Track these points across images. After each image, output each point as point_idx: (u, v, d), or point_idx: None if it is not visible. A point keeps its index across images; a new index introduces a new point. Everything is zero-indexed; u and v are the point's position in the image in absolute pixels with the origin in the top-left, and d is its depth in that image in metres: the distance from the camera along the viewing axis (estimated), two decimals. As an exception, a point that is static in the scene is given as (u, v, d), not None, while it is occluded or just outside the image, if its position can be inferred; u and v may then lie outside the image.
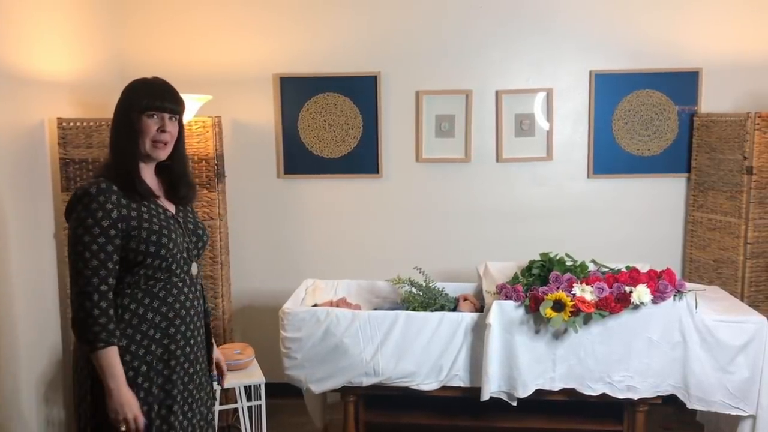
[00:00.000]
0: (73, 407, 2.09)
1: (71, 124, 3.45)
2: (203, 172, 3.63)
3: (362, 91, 4.00)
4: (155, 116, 2.04)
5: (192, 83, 3.94)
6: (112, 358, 1.94)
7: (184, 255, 2.10)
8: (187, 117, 3.32)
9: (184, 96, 3.21)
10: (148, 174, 2.11)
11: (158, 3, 4.01)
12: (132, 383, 2.00)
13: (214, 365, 2.34)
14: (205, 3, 4.00)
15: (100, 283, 1.93)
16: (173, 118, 2.09)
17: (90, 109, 3.72)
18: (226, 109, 3.95)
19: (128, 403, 1.95)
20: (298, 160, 4.08)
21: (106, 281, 1.94)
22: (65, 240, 3.47)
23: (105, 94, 3.89)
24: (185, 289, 2.11)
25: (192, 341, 2.14)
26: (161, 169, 2.15)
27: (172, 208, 2.15)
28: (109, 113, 3.84)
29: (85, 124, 3.45)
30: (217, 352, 2.38)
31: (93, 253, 1.93)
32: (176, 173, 2.15)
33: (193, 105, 3.29)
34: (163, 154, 2.08)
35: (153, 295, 2.04)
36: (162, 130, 2.04)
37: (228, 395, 3.52)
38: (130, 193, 2.01)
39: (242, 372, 3.10)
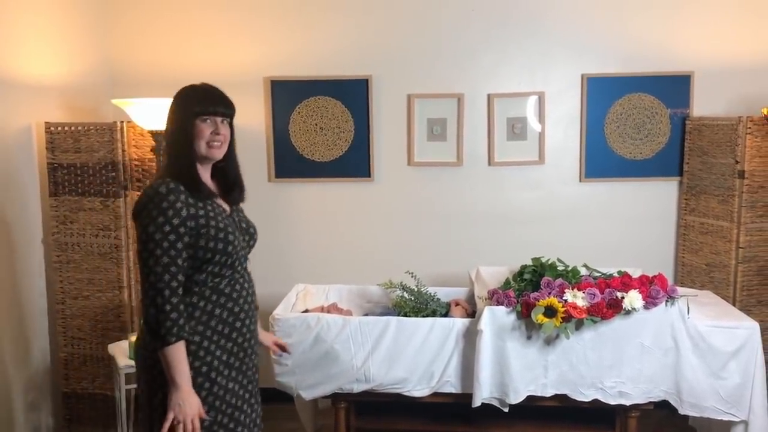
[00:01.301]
0: (139, 403, 2.18)
1: (59, 128, 3.42)
2: (193, 177, 3.60)
3: (354, 94, 3.98)
4: (208, 120, 2.14)
5: (181, 87, 3.91)
6: (181, 353, 2.01)
7: (241, 252, 2.21)
8: (177, 121, 3.29)
9: (170, 99, 3.20)
10: (205, 175, 2.20)
11: (147, 6, 3.98)
12: (205, 378, 2.09)
13: (272, 348, 2.62)
14: (194, 6, 3.98)
15: (171, 279, 2.00)
16: (225, 121, 2.19)
17: (78, 114, 3.69)
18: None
19: (190, 401, 2.02)
20: (289, 163, 4.05)
21: (176, 278, 2.01)
22: (53, 245, 3.46)
23: (93, 98, 3.86)
24: (246, 285, 2.22)
25: (254, 335, 2.26)
26: (215, 171, 2.25)
27: (227, 207, 2.24)
28: (98, 117, 3.84)
29: (73, 128, 3.43)
30: (266, 334, 2.57)
31: (164, 250, 2.00)
32: (230, 175, 2.26)
33: (182, 109, 3.26)
34: (219, 153, 2.17)
35: (219, 292, 2.13)
36: (216, 132, 2.15)
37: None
38: (195, 193, 2.10)
39: (232, 378, 3.07)
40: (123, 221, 3.45)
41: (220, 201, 2.21)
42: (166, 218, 2.01)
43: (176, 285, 2.01)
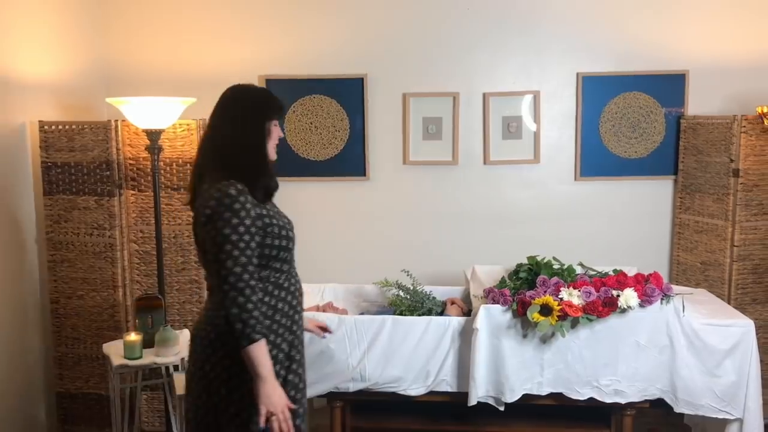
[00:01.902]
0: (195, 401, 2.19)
1: (53, 127, 3.41)
2: (188, 176, 3.58)
3: (349, 93, 3.97)
4: (277, 123, 2.24)
5: (176, 86, 3.91)
6: (264, 349, 2.04)
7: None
8: (171, 120, 3.28)
9: (166, 99, 3.20)
10: None
11: (142, 5, 3.97)
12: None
13: (316, 332, 2.68)
14: (189, 5, 3.97)
15: (249, 278, 2.04)
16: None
17: (72, 112, 3.68)
18: (210, 112, 3.91)
19: (279, 393, 2.06)
20: (284, 162, 4.03)
21: (253, 276, 2.05)
22: (47, 244, 3.45)
23: (88, 96, 3.85)
24: (297, 278, 2.30)
25: (301, 330, 2.31)
26: None
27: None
28: (92, 116, 3.83)
29: (67, 127, 3.41)
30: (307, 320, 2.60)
31: (241, 250, 2.03)
32: (274, 172, 2.31)
33: (177, 108, 3.26)
34: (275, 155, 2.26)
35: (280, 287, 2.19)
36: (279, 135, 2.26)
37: (213, 401, 3.48)
38: (262, 193, 2.16)
39: (227, 378, 3.07)
40: (117, 220, 3.43)
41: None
42: (240, 219, 2.04)
43: (254, 283, 2.05)
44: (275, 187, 2.25)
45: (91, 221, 3.45)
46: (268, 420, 2.04)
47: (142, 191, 3.56)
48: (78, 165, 3.43)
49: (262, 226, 2.11)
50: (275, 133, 2.23)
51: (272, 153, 2.23)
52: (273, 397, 2.04)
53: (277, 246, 2.15)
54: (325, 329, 2.74)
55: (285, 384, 2.17)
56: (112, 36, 3.99)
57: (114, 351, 3.17)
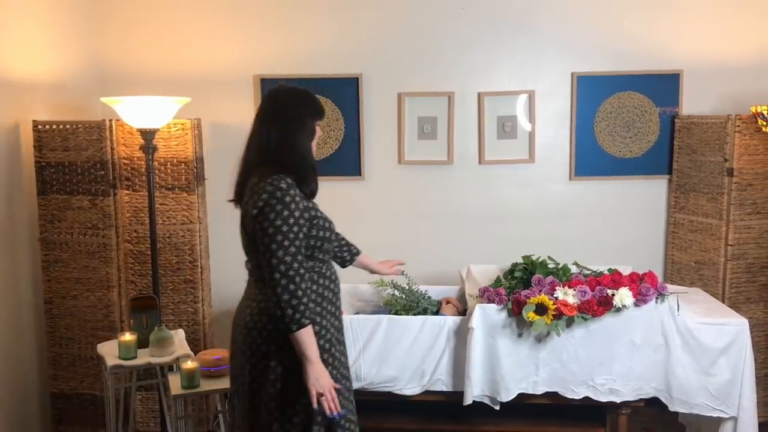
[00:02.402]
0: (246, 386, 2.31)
1: (47, 126, 3.40)
2: (182, 175, 3.59)
3: (344, 92, 3.97)
4: (318, 124, 2.38)
5: (170, 85, 3.90)
6: (311, 333, 2.18)
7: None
8: (166, 119, 3.28)
9: (161, 98, 3.19)
10: None
11: (136, 4, 3.96)
12: (328, 353, 2.29)
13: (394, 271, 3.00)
14: (183, 4, 3.96)
15: (299, 266, 2.17)
16: None
17: (66, 112, 3.67)
18: (205, 112, 3.91)
19: (325, 374, 2.20)
20: (279, 162, 4.03)
21: (303, 265, 2.19)
22: (41, 244, 3.43)
23: (82, 96, 3.84)
24: (334, 269, 2.44)
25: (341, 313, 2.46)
26: None
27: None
28: (86, 116, 3.81)
29: (61, 126, 3.40)
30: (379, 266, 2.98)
31: (291, 240, 2.17)
32: None
33: (171, 107, 3.25)
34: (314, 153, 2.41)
35: (324, 276, 2.34)
36: (319, 134, 2.41)
37: (209, 401, 3.48)
38: (303, 189, 2.28)
39: (223, 378, 3.06)
40: (112, 220, 3.42)
41: None
42: (290, 211, 2.18)
43: (303, 272, 2.18)
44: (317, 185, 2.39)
45: (86, 221, 3.44)
46: (318, 400, 2.18)
47: (136, 191, 3.55)
48: (72, 165, 3.42)
49: (309, 218, 2.26)
50: (319, 132, 2.38)
51: (314, 150, 2.39)
52: (321, 378, 2.18)
53: (321, 237, 2.29)
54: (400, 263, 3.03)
55: (338, 364, 2.33)
56: (106, 35, 3.98)
57: (108, 351, 3.16)
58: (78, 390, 3.54)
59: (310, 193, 2.32)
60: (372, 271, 2.99)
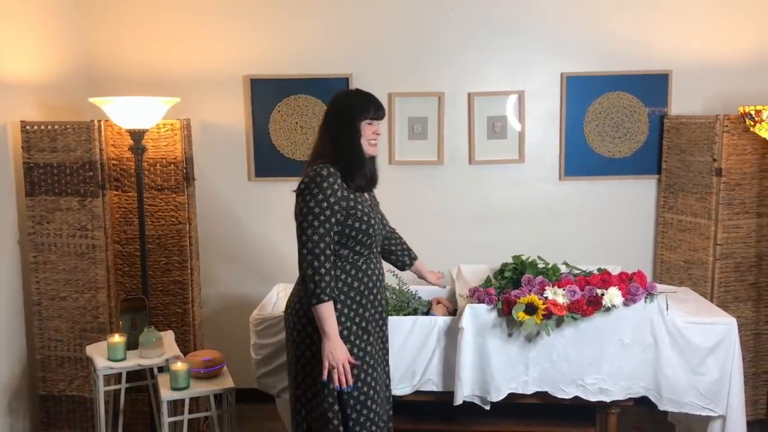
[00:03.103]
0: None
1: (35, 127, 3.38)
2: (171, 176, 3.58)
3: (334, 93, 3.94)
4: (372, 123, 2.53)
5: (160, 86, 3.89)
6: (331, 309, 2.37)
7: (378, 236, 2.58)
8: (155, 120, 3.26)
9: (150, 98, 3.18)
10: None
11: (125, 4, 3.94)
12: (345, 340, 2.43)
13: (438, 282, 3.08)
14: (173, 5, 3.94)
15: (326, 247, 2.37)
16: (379, 123, 2.58)
17: (55, 112, 3.65)
18: (195, 112, 3.90)
19: (341, 347, 2.37)
20: (269, 162, 4.03)
21: (329, 247, 2.38)
22: (29, 245, 3.41)
23: (70, 96, 3.82)
24: (379, 265, 2.61)
25: (383, 313, 2.62)
26: None
27: (367, 195, 2.61)
28: (75, 116, 3.80)
29: (50, 127, 3.38)
30: (431, 275, 3.06)
31: (321, 222, 2.36)
32: (371, 167, 2.60)
33: (160, 107, 3.24)
34: (376, 150, 2.57)
35: (358, 268, 2.50)
36: (377, 133, 2.55)
37: (199, 403, 3.47)
38: (353, 182, 2.47)
39: (213, 380, 3.06)
40: (101, 221, 3.41)
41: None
42: (325, 196, 2.37)
43: (329, 253, 2.38)
44: (368, 179, 2.55)
45: (74, 222, 3.42)
46: (329, 373, 2.36)
47: (125, 192, 3.54)
48: (61, 165, 3.40)
49: (347, 207, 2.43)
50: (368, 130, 2.51)
51: (369, 149, 2.52)
52: (336, 352, 2.35)
53: (357, 228, 2.45)
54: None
55: (359, 352, 2.47)
56: (95, 35, 3.96)
57: (98, 353, 3.15)
58: (67, 392, 3.52)
59: (357, 187, 2.49)
60: (421, 277, 3.08)
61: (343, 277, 2.47)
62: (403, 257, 2.96)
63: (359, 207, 2.47)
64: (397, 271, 3.41)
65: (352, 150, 2.49)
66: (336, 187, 2.40)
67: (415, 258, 2.99)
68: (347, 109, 2.52)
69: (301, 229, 2.38)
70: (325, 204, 2.37)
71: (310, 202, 2.37)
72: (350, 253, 2.48)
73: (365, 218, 2.47)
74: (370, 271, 2.54)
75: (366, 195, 2.59)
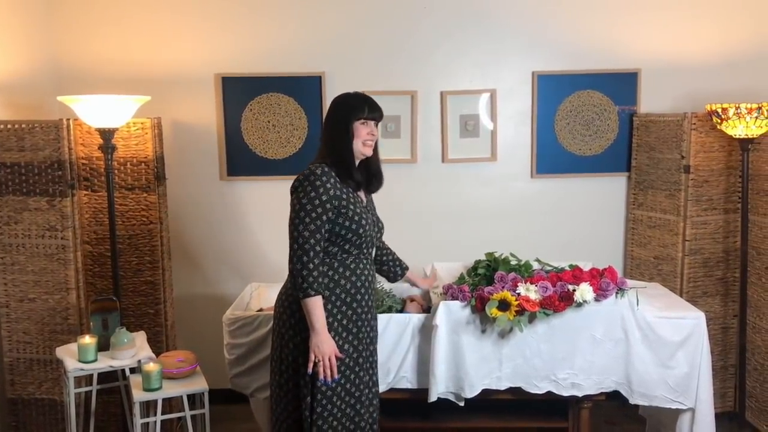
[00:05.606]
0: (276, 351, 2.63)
1: (2, 126, 3.32)
2: (142, 175, 3.54)
3: (307, 91, 3.95)
4: (365, 123, 2.55)
5: (130, 84, 3.84)
6: (319, 303, 2.44)
7: (370, 238, 2.61)
8: (125, 118, 3.23)
9: (120, 97, 3.15)
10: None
11: (94, 2, 3.89)
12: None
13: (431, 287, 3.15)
14: (143, 1, 3.90)
15: (315, 243, 2.44)
16: (376, 124, 2.62)
17: (22, 111, 3.59)
18: (166, 110, 3.86)
19: (327, 341, 2.45)
20: (241, 161, 4.01)
21: (319, 243, 2.45)
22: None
23: (38, 95, 3.76)
24: (369, 267, 2.65)
25: (372, 312, 2.66)
26: (359, 164, 2.63)
27: (364, 198, 2.66)
28: (43, 115, 3.74)
29: (17, 126, 3.33)
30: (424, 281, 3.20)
31: (312, 219, 2.43)
32: (372, 168, 2.66)
33: (130, 106, 3.20)
34: (370, 151, 2.59)
35: (346, 266, 2.55)
36: (371, 134, 2.57)
37: (172, 404, 3.43)
38: (346, 181, 2.53)
39: (186, 380, 3.03)
40: (70, 221, 3.36)
41: (359, 192, 2.63)
42: (318, 194, 2.43)
43: (318, 249, 2.45)
44: (364, 179, 2.61)
45: (43, 222, 3.37)
46: (315, 366, 2.43)
47: (95, 191, 3.49)
48: (29, 165, 3.34)
49: (338, 206, 2.48)
50: (363, 131, 2.55)
51: (363, 149, 2.56)
52: (322, 345, 2.43)
53: (347, 227, 2.50)
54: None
55: (344, 349, 2.52)
56: (63, 33, 3.90)
57: (68, 354, 3.10)
58: (36, 395, 3.46)
59: (356, 185, 2.56)
60: (414, 285, 3.22)
61: (330, 273, 2.52)
62: (394, 268, 3.05)
63: (351, 207, 2.52)
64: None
65: (342, 150, 2.54)
66: (329, 185, 2.46)
67: (407, 269, 3.10)
68: (342, 109, 2.58)
69: (292, 225, 2.45)
70: (317, 201, 2.43)
71: (303, 199, 2.44)
72: (339, 251, 2.54)
73: (356, 218, 2.52)
74: (359, 270, 2.59)
75: (362, 197, 2.65)
